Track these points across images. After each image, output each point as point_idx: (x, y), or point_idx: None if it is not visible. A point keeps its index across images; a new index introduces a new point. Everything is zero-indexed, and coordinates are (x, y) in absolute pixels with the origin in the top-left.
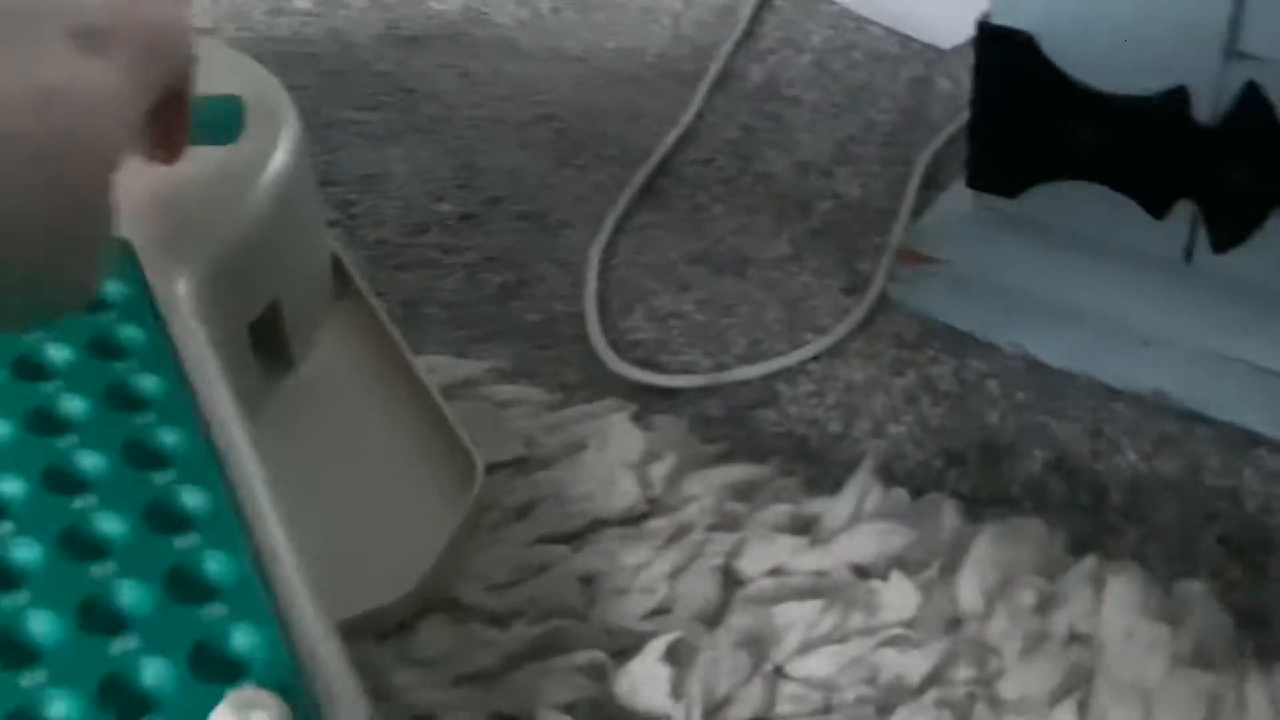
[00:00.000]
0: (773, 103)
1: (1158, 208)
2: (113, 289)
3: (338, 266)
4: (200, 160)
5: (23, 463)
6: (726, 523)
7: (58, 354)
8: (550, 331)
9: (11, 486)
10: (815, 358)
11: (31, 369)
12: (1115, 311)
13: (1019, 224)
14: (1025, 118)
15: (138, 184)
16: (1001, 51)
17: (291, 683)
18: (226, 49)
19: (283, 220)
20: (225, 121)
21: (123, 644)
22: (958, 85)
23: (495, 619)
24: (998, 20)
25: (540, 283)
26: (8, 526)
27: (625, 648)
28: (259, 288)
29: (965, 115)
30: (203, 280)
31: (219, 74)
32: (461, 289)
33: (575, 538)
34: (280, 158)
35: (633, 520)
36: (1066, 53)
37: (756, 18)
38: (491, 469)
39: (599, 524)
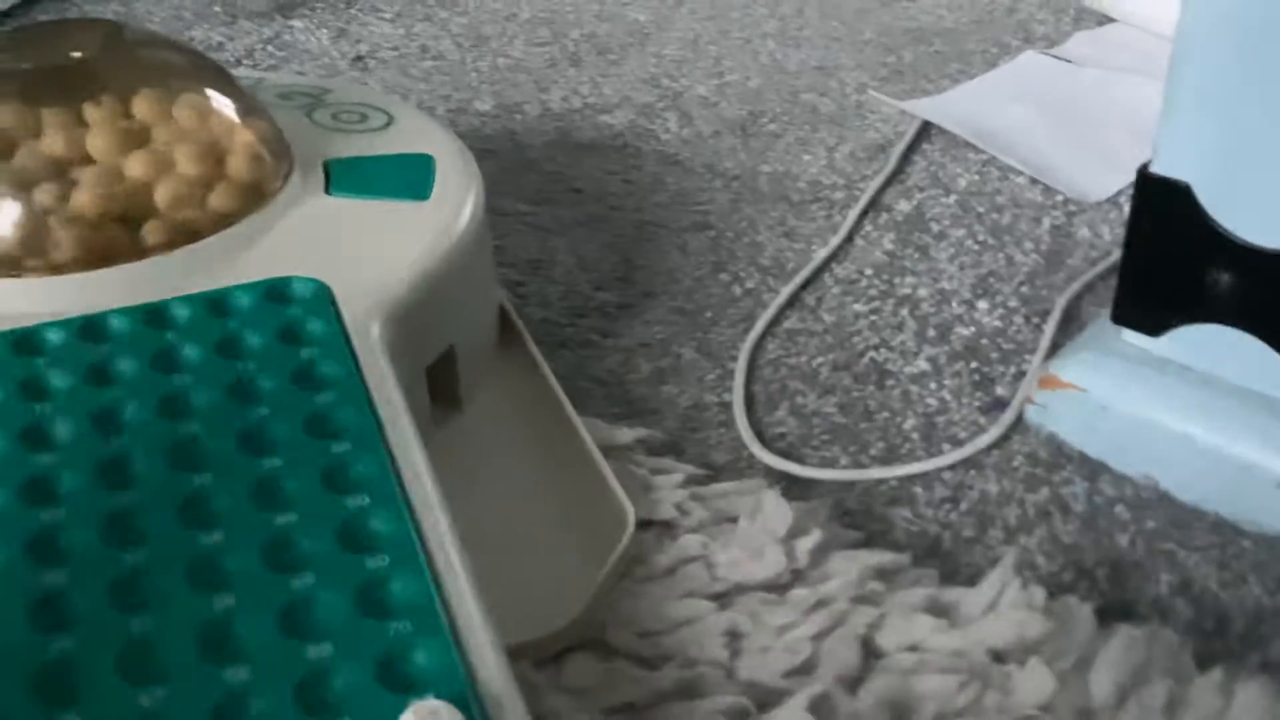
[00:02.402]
0: (918, 234)
1: None
2: (316, 328)
3: (505, 318)
4: (394, 214)
5: (235, 479)
6: (867, 599)
7: (267, 383)
8: (698, 416)
9: (224, 500)
10: (951, 467)
11: (244, 394)
12: (1247, 454)
13: (1159, 362)
14: (1174, 261)
15: (335, 234)
16: (1158, 198)
17: (466, 697)
18: (421, 113)
19: (464, 273)
20: (418, 179)
21: (318, 650)
22: (1097, 235)
23: (642, 661)
24: (1157, 169)
25: (691, 372)
26: (219, 536)
27: (767, 700)
28: (439, 334)
29: (1105, 263)
30: (392, 324)
31: (414, 135)
32: (616, 369)
33: (720, 597)
34: (466, 215)
35: (777, 588)
36: (1220, 205)
37: (906, 158)
38: (642, 527)
39: (744, 588)
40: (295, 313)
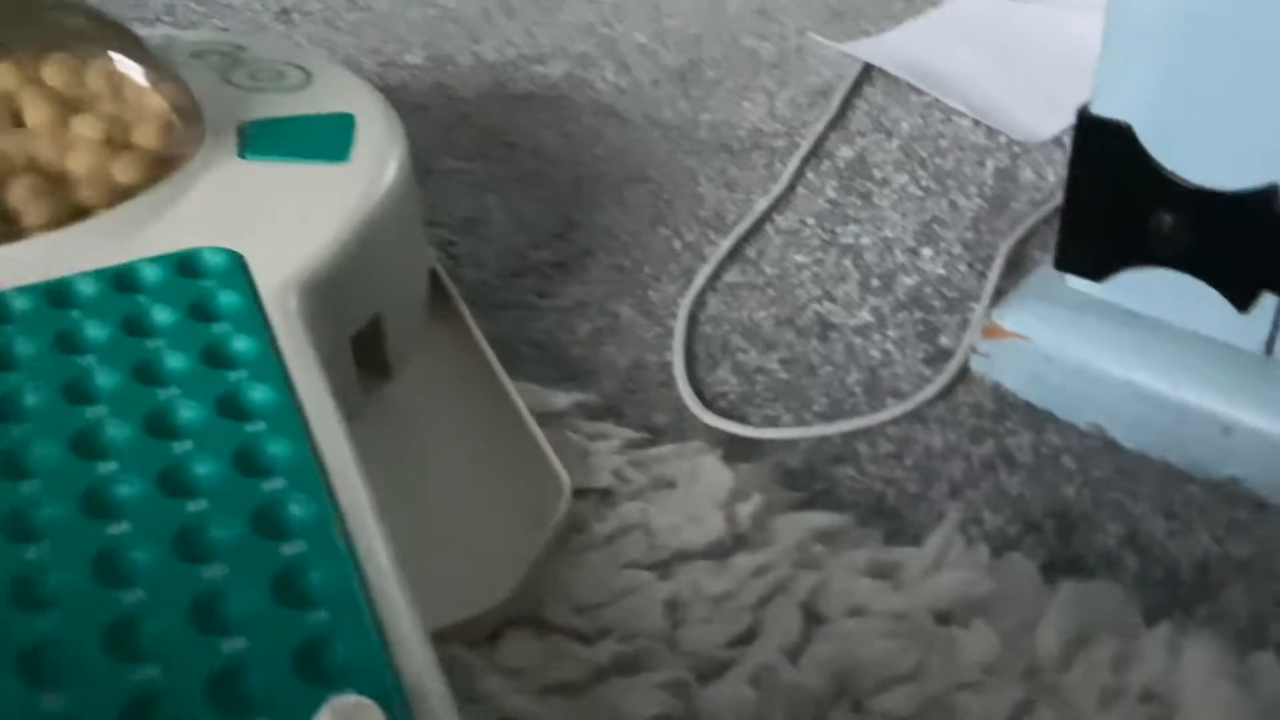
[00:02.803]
0: (860, 181)
1: (1242, 300)
2: (228, 301)
3: (436, 282)
4: (312, 177)
5: (141, 466)
6: (809, 563)
7: (176, 363)
8: (638, 377)
9: (129, 489)
10: (895, 421)
11: (149, 375)
12: (1194, 399)
13: (1103, 308)
14: (1117, 204)
15: (250, 201)
16: (1099, 139)
17: (389, 692)
18: (342, 70)
19: (388, 237)
20: (337, 139)
21: (231, 644)
22: (1041, 177)
23: (581, 636)
24: (1098, 110)
25: (630, 331)
26: (124, 526)
27: (709, 671)
28: (363, 302)
29: (1049, 206)
30: (311, 295)
31: (333, 93)
32: (554, 331)
33: (660, 566)
34: (388, 176)
35: (718, 554)
36: (1162, 145)
37: (848, 103)
38: (579, 495)
39: (684, 555)
40: (207, 286)
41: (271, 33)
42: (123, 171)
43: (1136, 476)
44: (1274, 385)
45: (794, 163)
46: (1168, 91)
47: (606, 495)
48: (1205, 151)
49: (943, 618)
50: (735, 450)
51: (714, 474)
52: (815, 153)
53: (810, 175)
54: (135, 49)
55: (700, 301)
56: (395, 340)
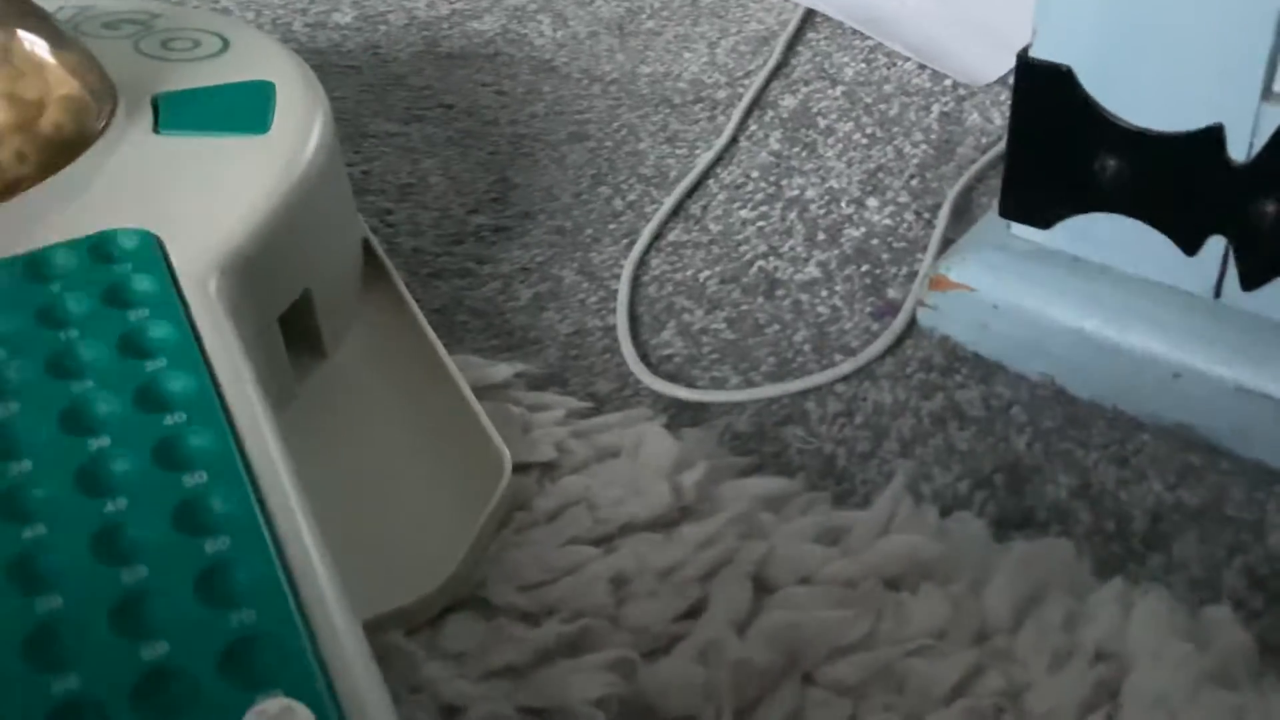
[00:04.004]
0: (805, 131)
1: (1189, 244)
2: (144, 285)
3: (370, 256)
4: (231, 151)
5: (56, 464)
6: (757, 532)
7: (91, 354)
8: (581, 343)
9: (44, 489)
10: (844, 379)
11: (63, 368)
12: (1143, 345)
13: (1050, 255)
14: (1060, 150)
15: (165, 178)
16: (1040, 84)
17: (319, 694)
18: (260, 35)
19: (313, 211)
20: (256, 109)
21: (153, 649)
22: (988, 121)
23: (525, 616)
24: (1038, 53)
25: (572, 295)
26: (40, 529)
27: (655, 648)
28: (290, 280)
29: (996, 150)
30: (232, 275)
31: (252, 60)
32: (494, 298)
33: (605, 541)
34: (311, 147)
35: (663, 526)
36: (1105, 88)
37: (790, 49)
38: (520, 470)
39: (629, 529)
40: (121, 270)
41: (184, 1)
42: (33, 151)
43: (1087, 426)
44: (1223, 328)
45: (736, 114)
46: (1108, 32)
47: (549, 469)
48: (1148, 93)
49: (892, 583)
50: (682, 415)
51: (658, 443)
52: (758, 103)
53: (753, 126)
54: (39, 24)
55: (643, 262)
56: (327, 317)
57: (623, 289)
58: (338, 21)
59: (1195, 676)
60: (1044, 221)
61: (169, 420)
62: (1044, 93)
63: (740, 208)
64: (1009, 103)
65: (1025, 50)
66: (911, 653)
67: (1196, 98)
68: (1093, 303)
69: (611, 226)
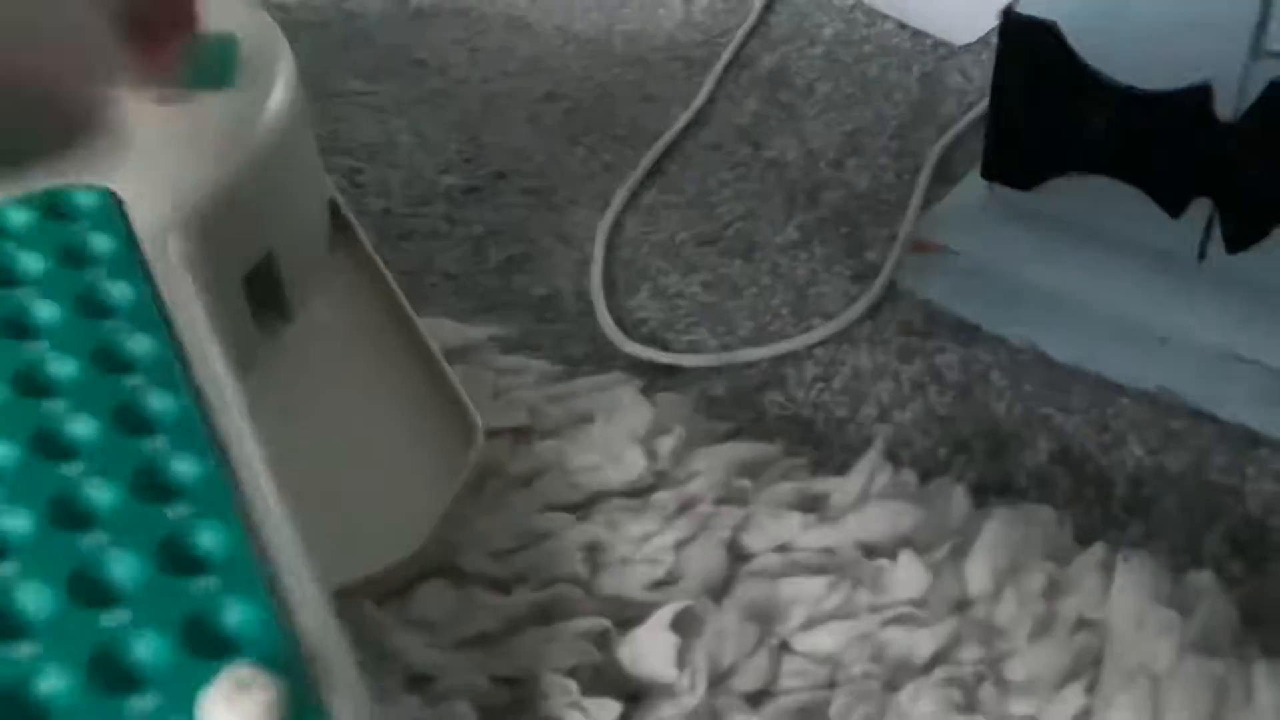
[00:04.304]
0: (783, 91)
1: (1174, 205)
2: (99, 244)
3: (336, 216)
4: (192, 105)
5: (9, 427)
6: (733, 498)
7: (44, 312)
8: (555, 306)
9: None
10: (822, 343)
11: (17, 328)
12: (1125, 308)
13: (1032, 217)
14: (1045, 109)
15: (124, 132)
16: (1025, 40)
17: (287, 661)
18: None
19: (278, 167)
20: (219, 64)
21: (113, 617)
22: (969, 81)
23: (496, 584)
24: (1023, 9)
25: (545, 258)
26: None
27: (629, 617)
28: (253, 240)
29: (976, 111)
30: (193, 234)
31: (214, 14)
32: (465, 260)
33: (579, 508)
34: (275, 103)
35: (638, 493)
36: (1090, 45)
37: (769, 7)
38: (493, 435)
39: (603, 495)
40: (77, 229)
41: None
42: None
43: (1068, 390)
44: (1207, 292)
45: (714, 74)
46: None
47: (522, 434)
48: (1135, 49)
49: (870, 550)
50: (657, 379)
51: (633, 408)
52: (736, 62)
53: (731, 86)
54: None
55: (619, 224)
56: (292, 279)
57: (597, 251)
58: None
59: (1177, 645)
60: (1026, 183)
61: (128, 383)
62: (1028, 49)
63: (718, 169)
64: (991, 62)
65: (1010, 5)
66: (890, 621)
67: (1184, 55)
68: (1074, 265)
69: (586, 187)
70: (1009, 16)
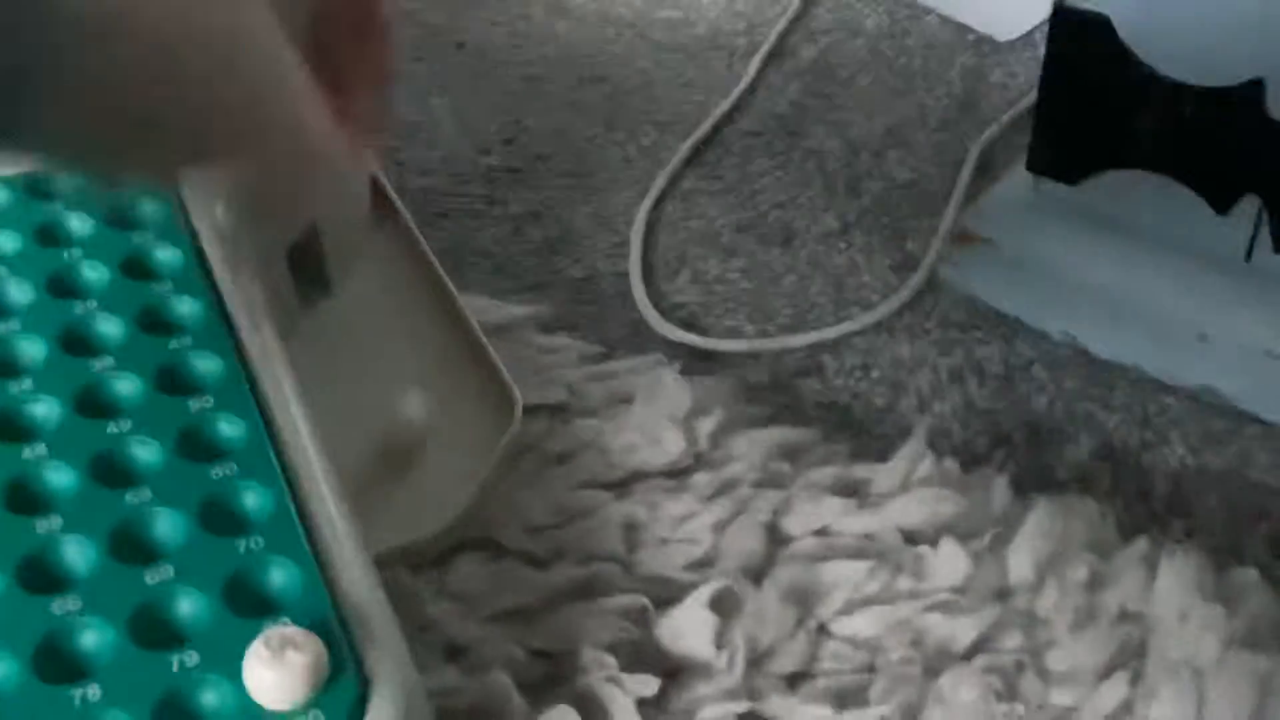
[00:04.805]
0: (825, 82)
1: (1222, 203)
2: (149, 209)
3: (377, 189)
4: None
5: (57, 386)
6: (772, 481)
7: (92, 274)
8: (593, 288)
9: (45, 410)
10: (861, 332)
11: (65, 288)
12: (1169, 306)
13: (1077, 211)
14: (1093, 103)
15: None
16: (1075, 33)
17: (328, 621)
18: None
19: None
20: None
21: (156, 574)
22: (1012, 77)
23: (534, 560)
24: (1074, 1)
25: (584, 240)
26: (40, 449)
27: (667, 595)
28: (299, 210)
29: (1019, 107)
30: (240, 202)
31: None
32: (504, 240)
33: (617, 486)
34: None
35: (677, 473)
36: (1142, 39)
37: None
38: (531, 412)
39: (642, 475)
40: (125, 193)
41: None
42: None
43: (1110, 386)
44: (1254, 291)
45: (755, 63)
46: None
47: (560, 412)
48: (1187, 45)
49: (911, 537)
50: (695, 364)
51: (673, 389)
52: (777, 52)
53: (772, 76)
54: None
55: (657, 209)
56: (334, 251)
57: (636, 234)
58: None
59: (1223, 639)
60: (1073, 177)
61: (174, 344)
62: (1079, 42)
63: (757, 157)
64: (1034, 59)
65: None
66: (931, 607)
67: (1237, 51)
68: (1119, 261)
69: (625, 172)
70: (1059, 8)
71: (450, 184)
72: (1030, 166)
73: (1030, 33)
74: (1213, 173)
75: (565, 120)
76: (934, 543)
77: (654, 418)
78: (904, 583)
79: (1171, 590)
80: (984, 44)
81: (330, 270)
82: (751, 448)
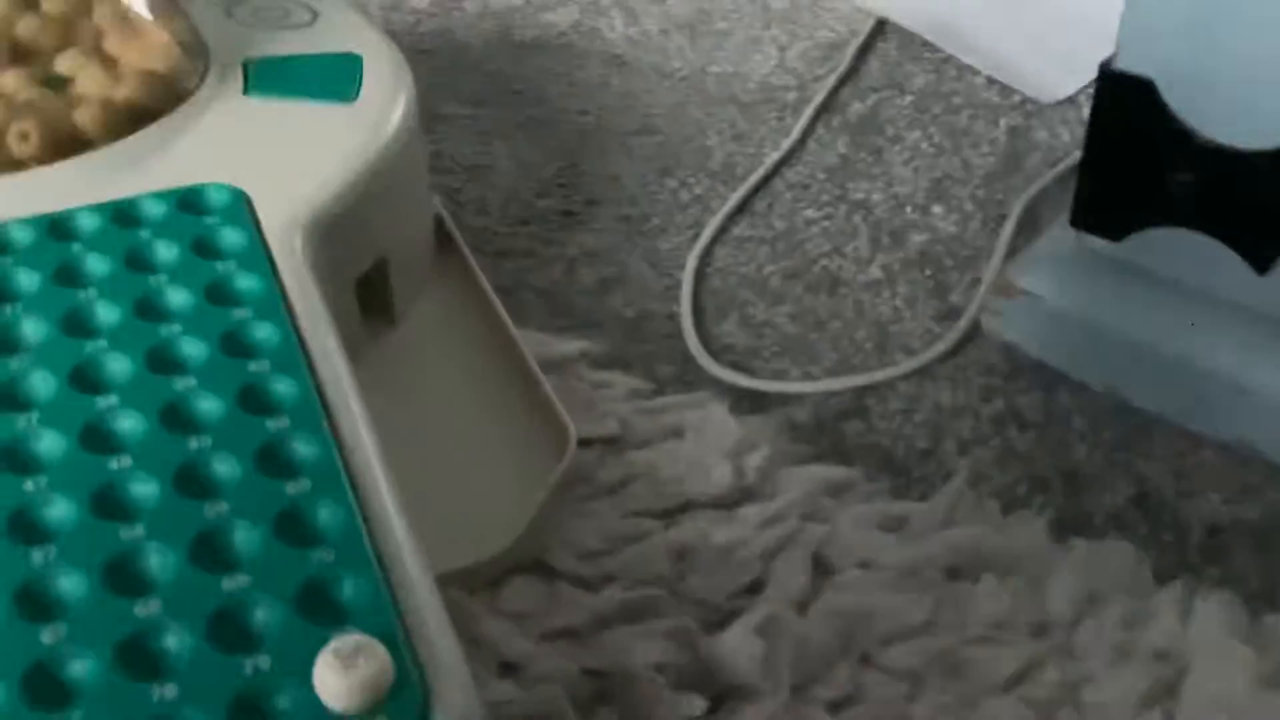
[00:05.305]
0: (872, 137)
1: (1261, 262)
2: (232, 239)
3: (441, 228)
4: (319, 117)
5: (142, 401)
6: (818, 515)
7: (177, 298)
8: (644, 328)
9: (132, 424)
10: (904, 377)
11: (150, 310)
12: (1207, 360)
13: (1119, 266)
14: (1136, 162)
15: (255, 138)
16: (1121, 95)
17: (393, 632)
18: (349, 9)
19: (394, 179)
20: (344, 79)
21: (233, 581)
22: (1055, 137)
23: (585, 583)
24: (1121, 64)
25: (636, 281)
26: (126, 461)
27: (715, 620)
28: (369, 244)
29: (1062, 166)
30: (316, 235)
31: (340, 33)
32: (559, 280)
33: (667, 515)
34: (395, 118)
35: (725, 505)
36: (1185, 102)
37: (860, 57)
38: (584, 444)
39: (691, 505)
40: (210, 222)
41: None
42: (127, 102)
43: (1148, 438)
44: None
45: (805, 117)
46: (1192, 47)
47: (612, 444)
48: (1229, 109)
49: (953, 572)
50: (741, 403)
51: (722, 424)
52: (826, 107)
53: (821, 130)
54: None
55: (708, 254)
56: (400, 285)
57: (687, 277)
58: (413, 5)
59: (1255, 679)
60: (1116, 232)
61: (253, 366)
62: (1124, 103)
63: (805, 207)
64: (1077, 120)
65: (1108, 61)
66: (971, 640)
67: (1276, 116)
68: (1159, 316)
69: (677, 218)
70: (1105, 71)
71: (508, 224)
72: (1074, 222)
73: (1074, 95)
74: (1252, 233)
75: (619, 166)
76: (975, 578)
77: (704, 451)
78: (945, 616)
79: (1206, 632)
80: (1028, 105)
81: (396, 303)
82: (797, 483)
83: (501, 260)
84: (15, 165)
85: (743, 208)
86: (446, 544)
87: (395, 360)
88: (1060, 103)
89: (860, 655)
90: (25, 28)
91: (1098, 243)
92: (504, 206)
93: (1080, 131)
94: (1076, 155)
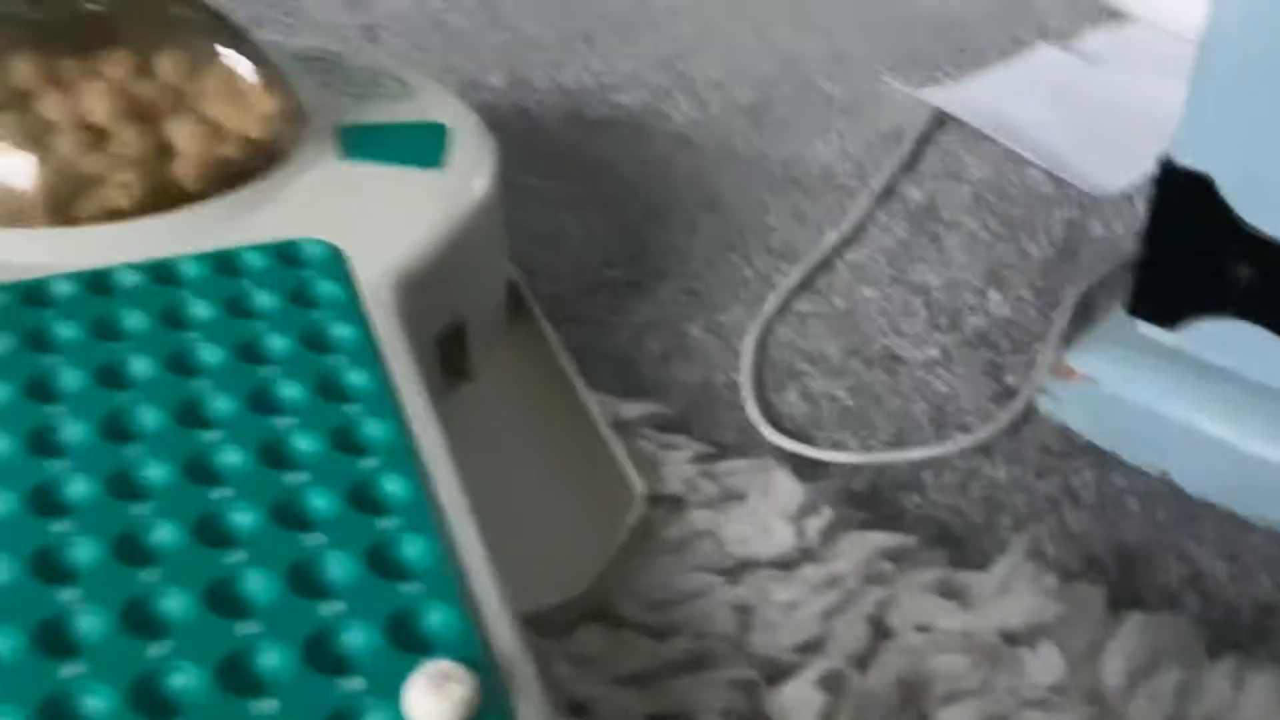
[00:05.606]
0: (930, 223)
1: None
2: (327, 290)
3: (515, 292)
4: (408, 181)
5: (244, 440)
6: (877, 578)
7: (276, 343)
8: (707, 395)
9: (233, 459)
10: (961, 453)
11: (250, 354)
12: (1260, 449)
13: (1174, 355)
14: (1193, 253)
15: (348, 199)
16: (1178, 189)
17: (478, 662)
18: (436, 83)
19: (476, 242)
20: (432, 147)
21: (328, 608)
22: (1110, 230)
23: (651, 632)
24: (1178, 160)
25: (700, 351)
26: (228, 493)
27: (777, 673)
28: (451, 302)
29: (1117, 257)
30: (404, 291)
31: (428, 104)
32: (625, 347)
33: (729, 573)
34: (479, 185)
35: (786, 565)
36: (1242, 198)
37: (920, 148)
38: (650, 502)
39: (753, 564)
40: (307, 275)
41: (356, 47)
42: (231, 160)
43: (1200, 522)
44: None
45: (865, 202)
46: (1250, 145)
47: (677, 503)
48: None
49: (1010, 638)
50: (800, 472)
51: (785, 488)
52: (886, 193)
53: (881, 214)
54: (247, 48)
55: (769, 328)
56: (477, 343)
57: (748, 348)
58: (489, 83)
59: None
60: (1171, 322)
61: (347, 409)
62: (1182, 198)
63: (865, 287)
64: (1132, 215)
65: (1167, 156)
66: (1028, 703)
67: None
68: (1213, 404)
69: (740, 292)
70: (1165, 166)
71: (578, 292)
72: (1131, 310)
73: (1129, 191)
74: None
75: (685, 242)
76: (1032, 645)
77: (766, 512)
78: (1002, 680)
79: (1258, 704)
80: (1084, 199)
81: (472, 360)
82: (857, 547)
83: (570, 326)
84: (116, 215)
85: (804, 285)
86: (520, 589)
87: (472, 414)
88: (1116, 197)
89: (919, 715)
90: (142, 89)
91: (1153, 330)
92: (574, 276)
93: (1134, 224)
94: (1131, 247)
